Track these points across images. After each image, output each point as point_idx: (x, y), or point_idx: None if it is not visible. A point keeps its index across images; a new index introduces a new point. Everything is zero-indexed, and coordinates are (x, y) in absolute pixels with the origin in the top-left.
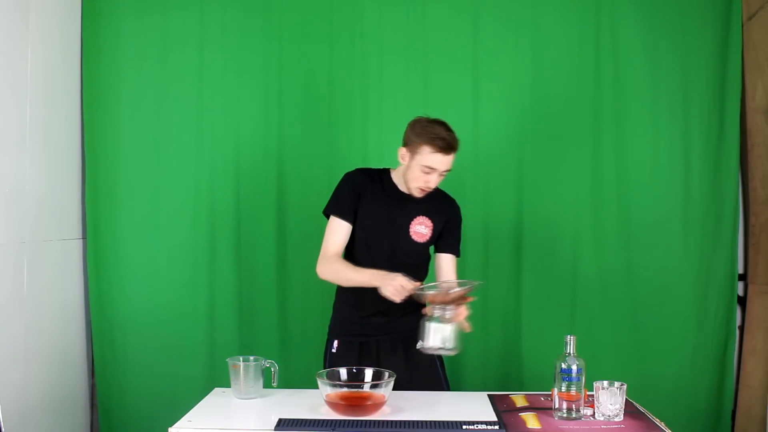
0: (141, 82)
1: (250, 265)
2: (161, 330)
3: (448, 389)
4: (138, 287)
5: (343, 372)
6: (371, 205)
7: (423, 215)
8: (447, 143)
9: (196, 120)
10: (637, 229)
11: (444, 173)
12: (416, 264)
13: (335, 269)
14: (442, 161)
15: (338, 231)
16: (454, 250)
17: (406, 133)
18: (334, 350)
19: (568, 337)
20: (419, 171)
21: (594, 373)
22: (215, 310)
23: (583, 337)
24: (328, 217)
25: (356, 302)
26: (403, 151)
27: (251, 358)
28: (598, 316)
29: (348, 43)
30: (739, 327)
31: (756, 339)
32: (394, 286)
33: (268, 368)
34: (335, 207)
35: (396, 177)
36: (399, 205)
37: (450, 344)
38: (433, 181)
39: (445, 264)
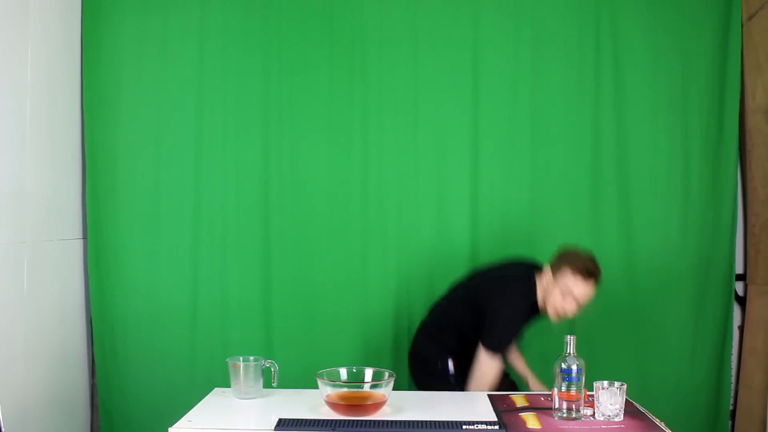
0: (141, 82)
1: (250, 264)
2: (161, 330)
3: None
4: (138, 287)
5: (343, 372)
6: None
7: None
8: (595, 274)
9: (196, 119)
10: (636, 229)
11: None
12: None
13: (494, 374)
14: (588, 292)
15: (497, 369)
16: None
17: (558, 256)
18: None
19: (568, 337)
20: (562, 296)
21: (594, 373)
22: (215, 310)
23: (583, 337)
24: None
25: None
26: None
27: (251, 358)
28: (598, 316)
29: (348, 43)
30: (739, 327)
31: (756, 339)
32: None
33: (268, 368)
34: (501, 345)
35: (543, 293)
36: (532, 321)
37: None
38: (573, 310)
39: None
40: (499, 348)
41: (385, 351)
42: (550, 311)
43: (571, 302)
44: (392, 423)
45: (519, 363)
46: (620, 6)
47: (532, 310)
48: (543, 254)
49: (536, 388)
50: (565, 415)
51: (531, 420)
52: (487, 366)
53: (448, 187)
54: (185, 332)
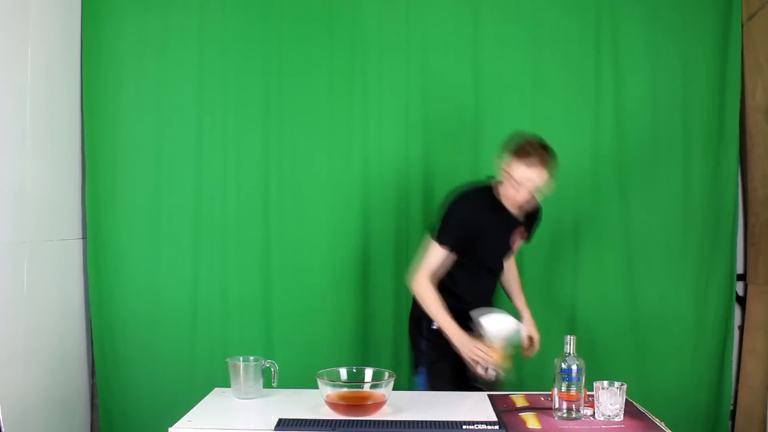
0: (141, 82)
1: (250, 264)
2: (161, 330)
3: None
4: (138, 287)
5: (343, 372)
6: (486, 236)
7: (521, 226)
8: (533, 156)
9: (196, 119)
10: (637, 229)
11: (535, 190)
12: (505, 260)
13: (426, 297)
14: (528, 176)
15: (439, 257)
16: (530, 239)
17: (502, 148)
18: (435, 326)
19: (568, 337)
20: (509, 183)
21: (594, 373)
22: (215, 310)
23: (583, 337)
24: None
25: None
26: (500, 165)
27: (251, 358)
28: (598, 316)
29: (348, 43)
30: (739, 327)
31: (756, 339)
32: (471, 350)
33: (268, 368)
34: (446, 239)
35: (502, 192)
36: (506, 224)
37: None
38: (522, 196)
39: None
40: (442, 236)
41: (385, 351)
42: (510, 205)
43: (519, 188)
44: (392, 423)
45: (519, 299)
46: (620, 6)
47: (504, 214)
48: (543, 256)
49: (529, 326)
50: (565, 415)
51: (531, 420)
52: (418, 285)
53: (450, 187)
54: (185, 332)
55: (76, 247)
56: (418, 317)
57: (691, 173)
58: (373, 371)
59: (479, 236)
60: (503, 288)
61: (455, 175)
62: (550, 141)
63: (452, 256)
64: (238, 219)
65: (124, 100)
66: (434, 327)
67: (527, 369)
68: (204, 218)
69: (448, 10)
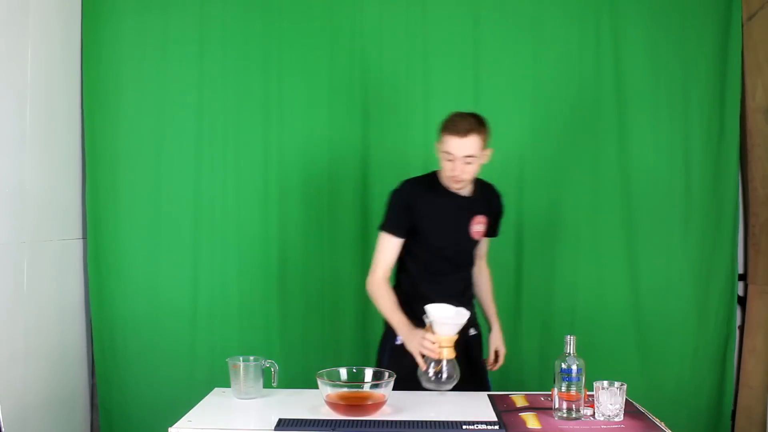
0: (141, 82)
1: (250, 264)
2: (161, 330)
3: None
4: (138, 287)
5: (343, 372)
6: (432, 217)
7: (480, 214)
8: (458, 125)
9: (196, 119)
10: (637, 229)
11: (469, 160)
12: (471, 255)
13: (378, 296)
14: (457, 145)
15: (390, 248)
16: (496, 233)
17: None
18: (399, 341)
19: (568, 337)
20: (444, 160)
21: (594, 373)
22: (215, 310)
23: (583, 337)
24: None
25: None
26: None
27: (251, 358)
28: (598, 316)
29: (348, 43)
30: (739, 327)
31: (756, 339)
32: (419, 342)
33: (268, 368)
34: (390, 225)
35: (443, 174)
36: (458, 209)
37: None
38: (458, 169)
39: (482, 244)
40: (385, 223)
41: None
42: (452, 185)
43: (454, 161)
44: (392, 423)
45: (489, 308)
46: (620, 7)
47: (451, 198)
48: (544, 256)
49: (496, 339)
50: (565, 415)
51: (531, 420)
52: (369, 285)
53: None
54: (185, 332)
55: (76, 247)
56: (385, 331)
57: (692, 173)
58: (373, 371)
59: (425, 217)
60: (477, 297)
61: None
62: (550, 141)
63: (409, 255)
64: (238, 218)
65: (124, 100)
66: (398, 342)
67: (527, 369)
68: (204, 218)
69: (448, 10)
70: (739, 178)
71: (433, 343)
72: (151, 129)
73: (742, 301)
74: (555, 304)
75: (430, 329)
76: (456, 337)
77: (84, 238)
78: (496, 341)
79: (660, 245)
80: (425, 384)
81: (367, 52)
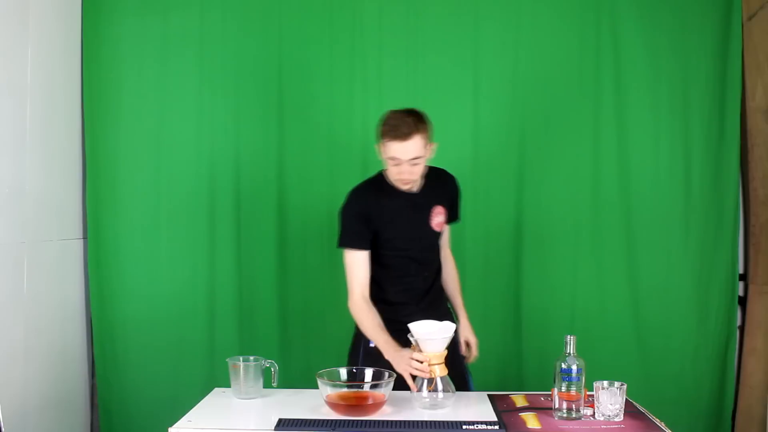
0: (141, 82)
1: (250, 264)
2: (161, 330)
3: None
4: (138, 287)
5: (343, 372)
6: (391, 221)
7: (437, 205)
8: (399, 129)
9: (196, 120)
10: (637, 229)
11: (415, 161)
12: (436, 248)
13: (361, 318)
14: (402, 150)
15: (359, 263)
16: (457, 218)
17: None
18: (372, 344)
19: (568, 337)
20: (390, 165)
21: (594, 373)
22: (215, 310)
23: (583, 337)
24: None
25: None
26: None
27: (251, 358)
28: (598, 316)
29: (348, 43)
30: (739, 327)
31: (756, 339)
32: (408, 363)
33: (268, 368)
34: (349, 239)
35: (390, 176)
36: (414, 207)
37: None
38: (406, 172)
39: (445, 232)
40: (343, 239)
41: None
42: (401, 186)
43: (400, 165)
44: (392, 423)
45: (456, 300)
46: (620, 7)
47: (403, 196)
48: (543, 256)
49: (465, 330)
50: (565, 415)
51: (531, 420)
52: (351, 306)
53: None
54: (185, 332)
55: (76, 247)
56: (356, 333)
57: (693, 174)
58: (373, 371)
59: (381, 221)
60: (445, 291)
61: (456, 171)
62: (551, 142)
63: (373, 262)
64: (238, 219)
65: (124, 100)
66: (372, 345)
67: (527, 369)
68: (204, 218)
69: (448, 10)
70: (739, 178)
71: (422, 362)
72: (151, 129)
73: (743, 301)
74: (555, 304)
75: (417, 348)
76: (446, 352)
77: (84, 238)
78: (465, 332)
79: (660, 245)
80: (421, 407)
81: (367, 52)
